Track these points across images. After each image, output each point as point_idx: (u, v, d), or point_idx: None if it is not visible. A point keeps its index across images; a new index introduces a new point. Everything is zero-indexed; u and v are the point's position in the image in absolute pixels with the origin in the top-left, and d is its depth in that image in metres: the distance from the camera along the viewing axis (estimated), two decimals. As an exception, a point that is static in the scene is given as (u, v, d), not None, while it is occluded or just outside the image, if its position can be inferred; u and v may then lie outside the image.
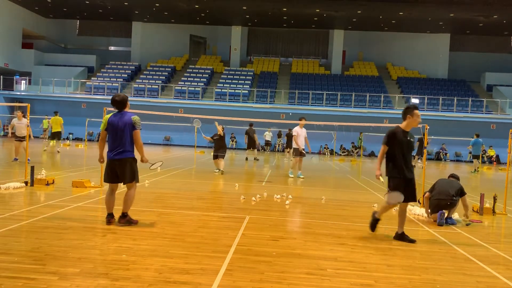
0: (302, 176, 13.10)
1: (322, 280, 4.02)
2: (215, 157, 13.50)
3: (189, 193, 9.15)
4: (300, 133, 12.92)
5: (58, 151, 18.02)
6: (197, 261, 4.39)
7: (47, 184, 8.84)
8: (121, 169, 5.70)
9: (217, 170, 13.32)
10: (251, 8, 32.12)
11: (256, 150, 20.23)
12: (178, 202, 7.83)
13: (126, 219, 5.73)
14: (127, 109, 5.88)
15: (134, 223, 5.76)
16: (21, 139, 13.58)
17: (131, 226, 5.69)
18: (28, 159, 13.07)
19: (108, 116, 5.76)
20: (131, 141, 5.73)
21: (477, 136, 19.98)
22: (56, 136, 17.90)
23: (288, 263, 4.47)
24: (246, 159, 20.36)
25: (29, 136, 13.62)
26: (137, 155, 5.88)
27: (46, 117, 18.50)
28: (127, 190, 5.84)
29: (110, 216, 5.76)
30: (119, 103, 5.76)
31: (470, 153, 19.79)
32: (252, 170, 15.76)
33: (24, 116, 13.83)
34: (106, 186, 9.08)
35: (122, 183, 5.85)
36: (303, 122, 12.99)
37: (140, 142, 5.82)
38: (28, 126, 13.35)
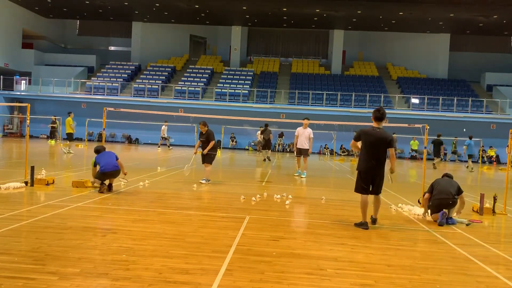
0: (303, 176, 13.32)
1: (322, 280, 4.02)
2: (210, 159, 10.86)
3: (189, 193, 9.14)
4: (300, 133, 13.31)
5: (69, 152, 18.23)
6: (197, 261, 4.39)
7: (47, 184, 8.83)
8: None
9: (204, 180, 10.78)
10: (251, 8, 32.08)
11: (270, 151, 20.17)
12: (178, 202, 7.82)
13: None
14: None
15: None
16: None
17: (131, 226, 5.71)
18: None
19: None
20: None
21: (470, 138, 21.05)
22: (69, 137, 19.16)
23: (288, 263, 4.47)
24: (264, 160, 19.79)
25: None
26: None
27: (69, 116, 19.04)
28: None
29: None
30: None
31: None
32: (252, 170, 15.75)
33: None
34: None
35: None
36: (306, 122, 13.31)
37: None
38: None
